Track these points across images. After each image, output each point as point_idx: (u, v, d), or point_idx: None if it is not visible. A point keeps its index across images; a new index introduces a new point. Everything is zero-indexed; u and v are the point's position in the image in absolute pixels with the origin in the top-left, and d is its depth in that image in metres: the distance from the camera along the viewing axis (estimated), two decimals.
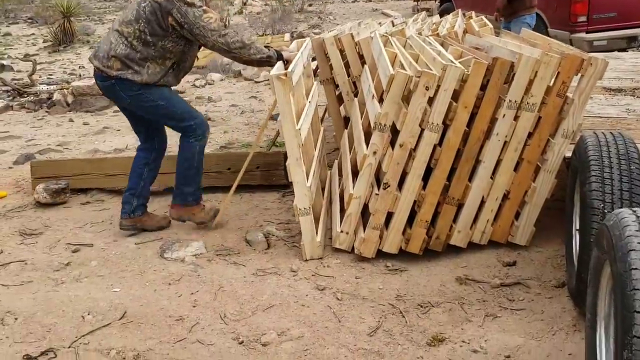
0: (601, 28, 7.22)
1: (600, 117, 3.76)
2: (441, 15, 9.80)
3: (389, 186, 3.18)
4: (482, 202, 3.24)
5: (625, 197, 2.40)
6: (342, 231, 3.33)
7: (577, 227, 2.91)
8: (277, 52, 3.59)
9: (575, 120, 3.10)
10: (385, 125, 3.14)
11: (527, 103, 3.07)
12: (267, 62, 3.56)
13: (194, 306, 2.93)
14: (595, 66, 3.03)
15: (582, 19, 7.17)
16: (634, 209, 1.95)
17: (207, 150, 5.59)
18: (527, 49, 3.28)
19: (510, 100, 3.06)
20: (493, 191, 3.21)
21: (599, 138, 2.66)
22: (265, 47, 3.63)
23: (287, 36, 11.98)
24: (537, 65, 3.02)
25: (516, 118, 3.11)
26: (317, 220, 3.49)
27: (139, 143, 3.87)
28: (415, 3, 15.50)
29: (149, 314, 2.88)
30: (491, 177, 3.20)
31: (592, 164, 2.51)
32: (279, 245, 3.56)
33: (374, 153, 3.19)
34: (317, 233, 3.35)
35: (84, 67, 11.37)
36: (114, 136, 6.53)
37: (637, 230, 1.79)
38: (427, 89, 3.00)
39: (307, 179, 3.31)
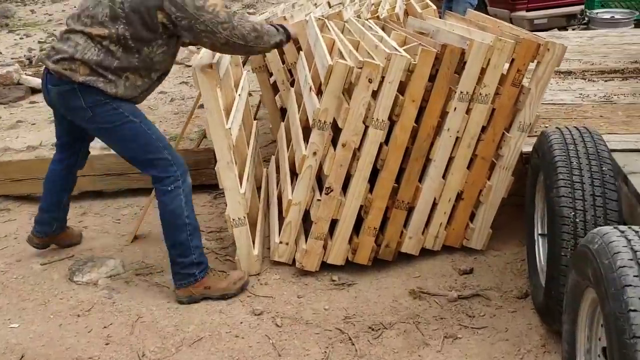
0: (541, 6, 7.06)
1: (554, 104, 3.50)
2: None
3: (331, 190, 2.82)
4: (434, 205, 2.93)
5: (598, 203, 2.12)
6: (281, 242, 2.95)
7: (540, 232, 2.63)
8: (284, 29, 2.86)
9: (532, 112, 2.81)
10: (325, 122, 2.76)
11: (480, 94, 2.75)
12: (280, 45, 2.90)
13: (106, 343, 2.49)
14: (552, 52, 2.74)
15: None
16: (621, 228, 1.66)
17: None
18: (477, 34, 2.95)
19: (461, 92, 2.73)
20: (445, 192, 2.90)
21: (564, 135, 2.36)
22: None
23: None
24: (490, 52, 2.70)
25: (468, 111, 2.79)
26: (253, 227, 3.10)
27: (57, 152, 3.11)
28: None
29: (52, 356, 2.43)
30: (443, 177, 2.88)
31: (559, 165, 2.21)
32: (209, 259, 3.13)
33: (314, 154, 2.81)
34: (254, 245, 2.96)
35: (0, 52, 10.50)
36: (28, 131, 5.91)
37: (630, 259, 1.49)
38: (370, 81, 2.63)
39: (241, 184, 2.90)
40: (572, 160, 2.21)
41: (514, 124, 2.84)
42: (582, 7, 6.80)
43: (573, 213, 2.12)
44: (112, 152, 4.80)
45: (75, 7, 2.66)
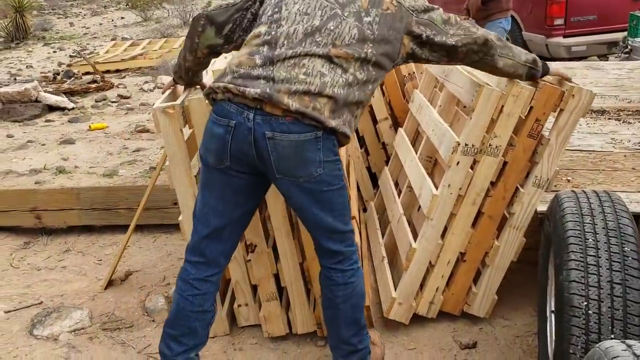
0: (580, 32, 6.59)
1: (581, 150, 3.10)
2: None
3: None
4: (432, 266, 2.57)
5: (617, 292, 1.74)
6: (239, 305, 2.65)
7: (554, 309, 2.24)
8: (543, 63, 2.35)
9: (551, 166, 2.42)
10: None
11: (490, 145, 2.39)
12: (534, 74, 2.31)
13: None
14: (578, 99, 2.34)
15: (559, 22, 6.54)
16: (631, 343, 1.29)
17: (124, 176, 4.86)
18: (494, 78, 2.57)
19: (466, 145, 2.38)
20: (444, 253, 2.53)
21: (580, 201, 1.98)
22: None
23: None
24: (503, 99, 2.33)
25: (475, 164, 2.43)
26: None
27: (195, 259, 2.15)
28: None
29: None
30: (442, 237, 2.52)
31: (571, 242, 1.84)
32: None
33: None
34: (222, 304, 2.65)
35: (31, 66, 10.57)
36: (36, 152, 5.78)
37: None
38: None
39: None
40: (588, 237, 1.83)
41: (529, 179, 2.46)
42: (625, 34, 6.32)
43: (586, 303, 1.74)
44: (100, 184, 4.70)
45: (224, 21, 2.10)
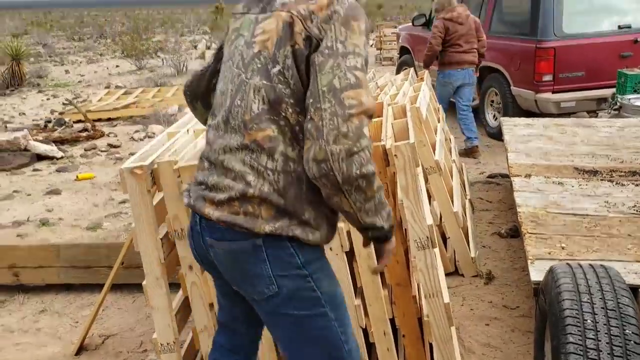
0: (568, 88, 6.62)
1: (575, 214, 3.02)
2: (399, 69, 9.22)
3: None
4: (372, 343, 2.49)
5: None
6: None
7: None
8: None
9: (421, 225, 2.32)
10: None
11: None
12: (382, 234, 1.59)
13: None
14: (402, 156, 2.28)
15: (548, 78, 6.57)
16: None
17: (107, 230, 4.65)
18: None
19: None
20: (374, 326, 2.45)
21: (577, 278, 1.89)
22: None
23: None
24: None
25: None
26: None
27: (219, 335, 1.92)
28: (379, 52, 15.03)
29: None
30: (365, 312, 2.45)
31: (569, 324, 1.74)
32: None
33: None
34: None
35: (24, 113, 10.54)
36: (22, 203, 5.67)
37: None
38: None
39: (174, 301, 2.49)
40: (586, 318, 1.74)
41: (410, 243, 2.37)
42: (613, 90, 6.36)
43: None
44: (82, 238, 4.63)
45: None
